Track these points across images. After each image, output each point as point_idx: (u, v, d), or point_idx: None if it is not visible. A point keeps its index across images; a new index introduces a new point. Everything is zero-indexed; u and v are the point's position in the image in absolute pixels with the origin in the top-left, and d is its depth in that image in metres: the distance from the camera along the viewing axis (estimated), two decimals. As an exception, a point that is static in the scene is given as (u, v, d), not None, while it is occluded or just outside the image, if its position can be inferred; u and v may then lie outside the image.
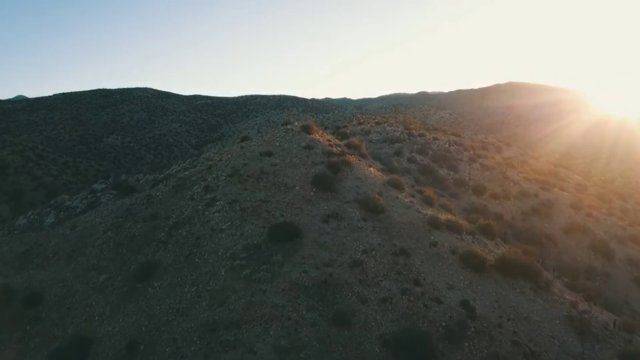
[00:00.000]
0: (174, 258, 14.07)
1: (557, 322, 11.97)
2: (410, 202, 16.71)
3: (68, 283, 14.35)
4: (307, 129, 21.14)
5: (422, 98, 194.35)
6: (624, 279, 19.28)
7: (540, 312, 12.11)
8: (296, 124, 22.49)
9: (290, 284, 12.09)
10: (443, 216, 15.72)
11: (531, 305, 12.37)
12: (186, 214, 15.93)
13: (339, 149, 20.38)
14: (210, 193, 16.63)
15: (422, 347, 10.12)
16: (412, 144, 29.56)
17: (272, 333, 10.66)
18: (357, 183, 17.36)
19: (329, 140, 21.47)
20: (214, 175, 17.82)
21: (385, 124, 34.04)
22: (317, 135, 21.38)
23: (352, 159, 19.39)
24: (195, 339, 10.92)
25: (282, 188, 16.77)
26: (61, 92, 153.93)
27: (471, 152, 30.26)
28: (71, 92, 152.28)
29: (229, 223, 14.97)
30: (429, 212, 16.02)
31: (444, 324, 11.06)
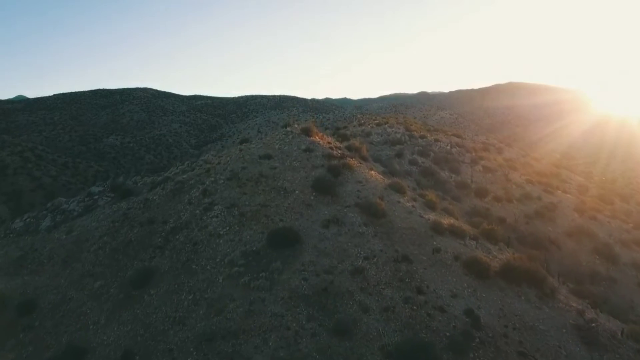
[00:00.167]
0: (170, 264, 13.76)
1: (564, 331, 11.66)
2: (412, 206, 16.39)
3: (63, 290, 14.05)
4: (307, 132, 20.83)
5: (423, 98, 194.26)
6: (629, 284, 19.00)
7: (546, 321, 11.79)
8: (296, 126, 22.19)
9: (289, 292, 11.77)
10: (446, 221, 15.41)
11: (537, 313, 12.05)
12: (184, 218, 15.63)
13: (339, 151, 20.07)
14: (209, 197, 16.33)
15: (426, 359, 9.81)
16: (413, 145, 29.26)
17: (271, 344, 10.33)
18: (358, 187, 17.05)
19: (329, 143, 21.16)
20: (212, 179, 17.52)
21: (386, 125, 33.73)
22: (317, 137, 21.07)
23: (353, 162, 19.09)
24: (191, 349, 10.60)
25: (282, 192, 16.46)
26: (61, 92, 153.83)
27: (473, 153, 29.97)
28: (71, 92, 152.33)
29: (227, 228, 14.66)
30: (432, 216, 15.71)
31: (447, 334, 10.74)
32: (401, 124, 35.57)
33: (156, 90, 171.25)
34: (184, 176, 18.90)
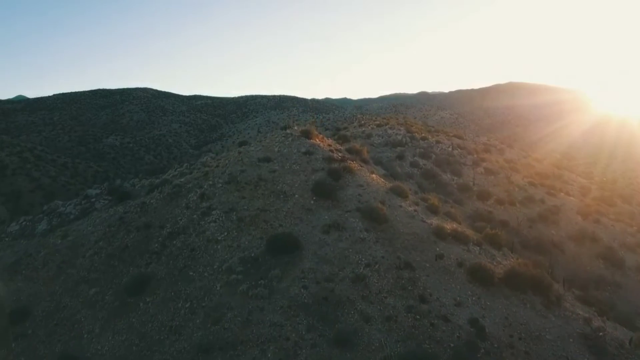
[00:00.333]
0: (167, 271, 13.44)
1: (571, 340, 11.33)
2: (414, 210, 16.06)
3: (57, 297, 13.72)
4: (307, 134, 20.50)
5: (423, 98, 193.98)
6: (634, 289, 18.67)
7: (552, 330, 11.47)
8: (296, 127, 21.85)
9: (289, 300, 11.45)
10: (448, 226, 15.08)
11: (543, 322, 11.73)
12: (181, 223, 15.30)
13: (339, 154, 19.74)
14: (206, 201, 16.01)
15: (430, 371, 9.50)
16: (414, 147, 28.92)
17: (269, 355, 10.02)
18: (359, 191, 16.71)
19: (329, 145, 20.83)
20: (210, 182, 17.20)
21: (387, 127, 33.40)
22: (317, 139, 20.74)
23: (354, 164, 18.75)
24: (188, 360, 10.30)
25: (281, 196, 16.13)
26: (61, 92, 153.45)
27: (475, 155, 29.64)
28: (71, 93, 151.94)
29: (225, 234, 14.34)
30: (434, 221, 15.38)
31: (452, 344, 10.42)
32: (402, 125, 35.24)
33: (156, 90, 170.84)
34: (182, 179, 18.57)
